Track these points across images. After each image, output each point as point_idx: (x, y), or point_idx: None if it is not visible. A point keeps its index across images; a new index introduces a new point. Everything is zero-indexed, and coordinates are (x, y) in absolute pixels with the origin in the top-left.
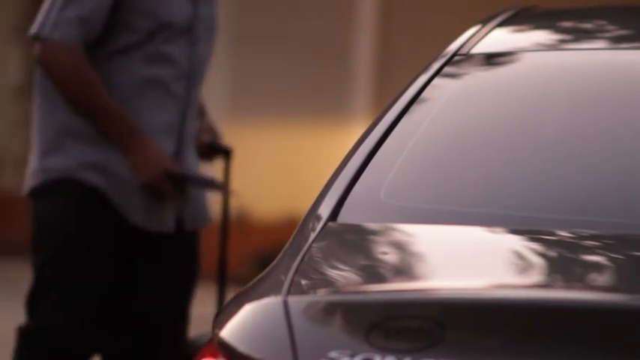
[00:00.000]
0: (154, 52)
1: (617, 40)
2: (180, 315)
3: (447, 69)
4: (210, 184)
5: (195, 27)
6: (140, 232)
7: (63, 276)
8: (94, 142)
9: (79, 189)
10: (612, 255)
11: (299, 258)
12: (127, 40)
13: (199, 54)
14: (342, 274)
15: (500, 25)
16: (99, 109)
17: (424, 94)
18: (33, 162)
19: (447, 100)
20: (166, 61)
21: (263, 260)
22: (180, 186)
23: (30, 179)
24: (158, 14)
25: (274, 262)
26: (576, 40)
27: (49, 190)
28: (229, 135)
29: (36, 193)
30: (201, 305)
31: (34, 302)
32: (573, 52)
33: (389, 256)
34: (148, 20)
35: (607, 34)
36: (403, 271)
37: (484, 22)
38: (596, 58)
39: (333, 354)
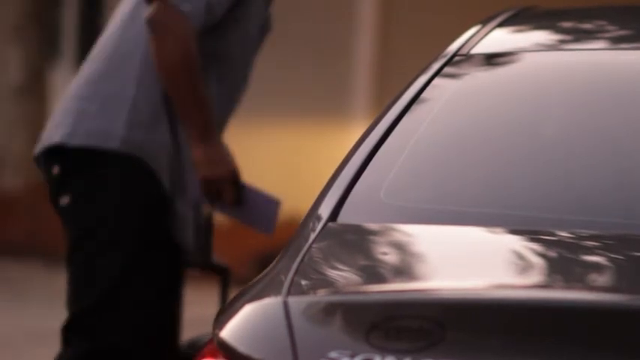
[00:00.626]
0: (230, 65)
1: (617, 40)
2: (179, 317)
3: (447, 69)
4: (263, 217)
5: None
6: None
7: (140, 285)
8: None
9: (157, 185)
10: (612, 255)
11: (299, 258)
12: (219, 49)
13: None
14: (342, 275)
15: (500, 25)
16: (191, 91)
17: (424, 94)
18: (102, 123)
19: (447, 100)
20: (231, 80)
21: (263, 260)
22: (239, 198)
23: (91, 137)
24: (250, 26)
25: (274, 262)
26: (576, 40)
27: (122, 170)
28: (229, 135)
29: (95, 156)
30: (202, 306)
31: (91, 316)
32: (573, 52)
33: (389, 256)
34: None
35: (607, 34)
36: (403, 271)
37: (484, 22)
38: (596, 58)
39: (333, 354)
